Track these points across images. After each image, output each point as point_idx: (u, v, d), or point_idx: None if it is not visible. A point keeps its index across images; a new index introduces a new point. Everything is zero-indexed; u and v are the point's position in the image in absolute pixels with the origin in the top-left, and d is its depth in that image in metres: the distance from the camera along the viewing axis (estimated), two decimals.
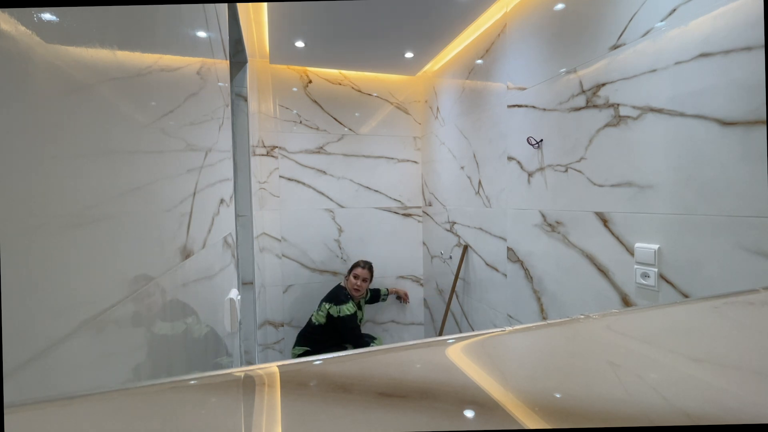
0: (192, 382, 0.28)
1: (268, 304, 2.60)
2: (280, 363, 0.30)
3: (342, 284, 2.49)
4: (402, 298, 2.85)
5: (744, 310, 0.44)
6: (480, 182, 2.06)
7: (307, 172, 2.67)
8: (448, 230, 2.47)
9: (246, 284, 1.86)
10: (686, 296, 1.03)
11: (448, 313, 2.42)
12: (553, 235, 1.51)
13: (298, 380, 0.28)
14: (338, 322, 2.31)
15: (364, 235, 2.80)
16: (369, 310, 2.80)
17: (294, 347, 2.41)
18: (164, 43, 0.53)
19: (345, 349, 2.36)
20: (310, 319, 2.42)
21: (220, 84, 0.98)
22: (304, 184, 2.67)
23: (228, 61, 1.18)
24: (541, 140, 1.55)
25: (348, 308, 2.34)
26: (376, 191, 2.82)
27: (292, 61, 2.48)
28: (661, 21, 1.06)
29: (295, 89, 2.62)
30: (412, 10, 1.80)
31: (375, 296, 2.68)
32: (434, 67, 2.61)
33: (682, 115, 1.01)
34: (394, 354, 0.32)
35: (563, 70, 1.43)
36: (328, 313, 2.32)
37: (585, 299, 1.36)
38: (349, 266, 2.69)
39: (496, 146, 1.90)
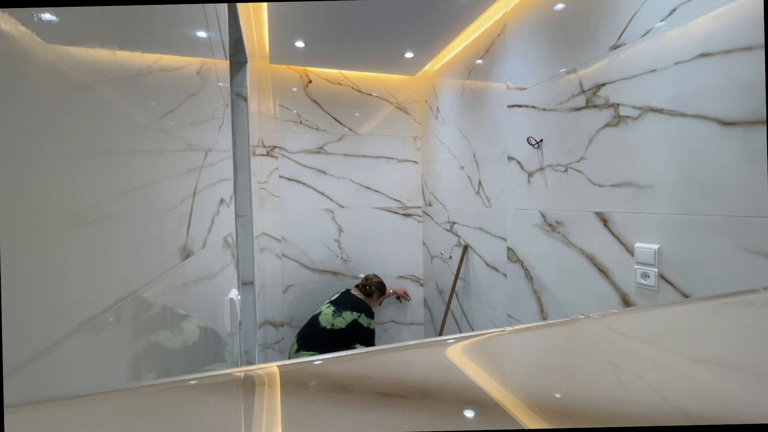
0: (192, 382, 0.28)
1: (268, 304, 2.60)
2: (280, 363, 0.30)
3: (362, 298, 2.46)
4: (402, 297, 2.85)
5: (744, 310, 0.44)
6: (480, 182, 2.06)
7: (307, 172, 2.67)
8: (448, 230, 2.47)
9: (246, 284, 1.86)
10: (686, 296, 1.03)
11: (448, 313, 2.42)
12: (553, 235, 1.51)
13: (298, 380, 0.28)
14: (367, 332, 2.31)
15: (364, 235, 2.80)
16: None
17: (298, 351, 2.24)
18: (164, 43, 0.53)
19: None
20: (317, 321, 2.27)
21: (220, 84, 0.98)
22: (304, 184, 2.67)
23: (228, 61, 1.18)
24: (541, 140, 1.55)
25: (374, 324, 2.39)
26: (376, 191, 2.82)
27: (292, 61, 2.48)
28: (661, 21, 1.06)
29: (295, 89, 2.62)
30: (412, 10, 1.80)
31: None
32: (434, 67, 2.61)
33: (682, 115, 1.01)
34: (394, 354, 0.32)
35: (563, 70, 1.43)
36: (356, 321, 2.28)
37: (585, 299, 1.36)
38: (352, 270, 2.76)
39: (496, 146, 1.90)
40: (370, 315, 2.36)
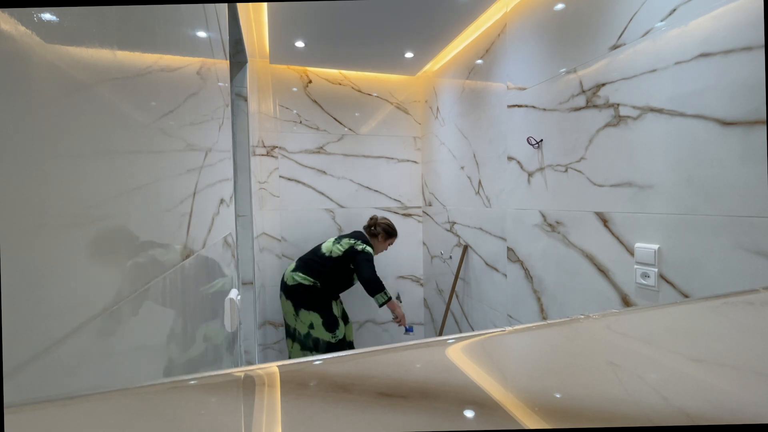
0: (192, 382, 0.28)
1: (268, 304, 2.60)
2: (280, 363, 0.30)
3: (367, 236, 2.40)
4: (398, 320, 2.32)
5: (744, 310, 0.44)
6: (480, 182, 2.06)
7: (307, 172, 2.67)
8: (448, 230, 2.47)
9: (246, 284, 1.86)
10: (686, 296, 1.03)
11: (448, 313, 2.42)
12: (553, 235, 1.51)
13: (298, 380, 0.28)
14: (361, 255, 2.23)
15: None
16: (368, 310, 2.80)
17: (294, 270, 2.25)
18: (164, 43, 0.53)
19: (340, 302, 2.39)
20: (319, 248, 2.32)
21: (220, 84, 0.98)
22: (304, 184, 2.67)
23: (228, 61, 1.18)
24: (541, 140, 1.55)
25: (369, 249, 2.29)
26: (376, 191, 2.82)
27: (292, 61, 2.48)
28: (661, 21, 1.06)
29: (295, 89, 2.62)
30: (412, 10, 1.80)
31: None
32: (434, 67, 2.61)
33: (682, 115, 1.01)
34: (394, 354, 0.32)
35: (563, 70, 1.43)
36: (352, 247, 2.25)
37: (585, 299, 1.36)
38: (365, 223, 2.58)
39: (496, 146, 1.90)
40: (367, 243, 2.31)
